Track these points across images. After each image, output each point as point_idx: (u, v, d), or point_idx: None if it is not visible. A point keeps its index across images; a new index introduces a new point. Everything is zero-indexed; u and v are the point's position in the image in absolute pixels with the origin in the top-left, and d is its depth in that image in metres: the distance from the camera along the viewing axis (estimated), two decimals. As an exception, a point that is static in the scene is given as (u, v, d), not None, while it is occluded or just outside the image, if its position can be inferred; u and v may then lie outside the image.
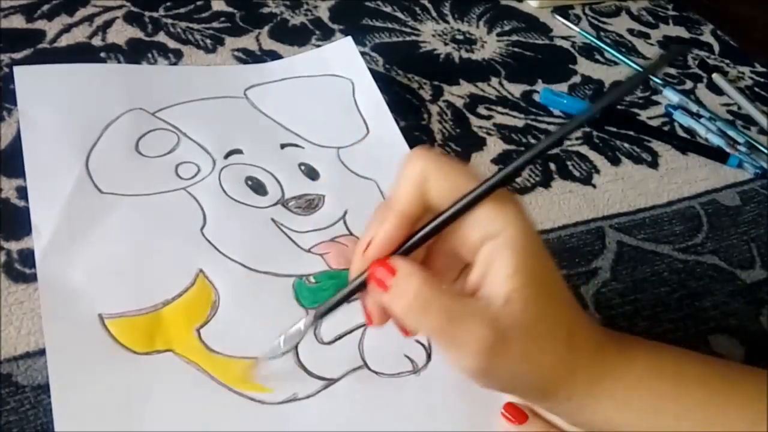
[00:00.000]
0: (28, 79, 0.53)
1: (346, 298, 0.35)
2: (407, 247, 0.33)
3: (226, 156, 0.51)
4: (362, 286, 0.34)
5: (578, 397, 0.33)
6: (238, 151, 0.51)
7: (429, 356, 0.43)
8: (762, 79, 0.75)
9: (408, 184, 0.32)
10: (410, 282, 0.31)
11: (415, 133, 0.58)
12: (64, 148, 0.48)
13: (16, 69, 0.53)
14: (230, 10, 0.67)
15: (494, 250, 0.31)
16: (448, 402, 0.41)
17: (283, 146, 0.53)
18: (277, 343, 0.38)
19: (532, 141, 0.60)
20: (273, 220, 0.48)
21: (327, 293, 0.44)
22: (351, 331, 0.43)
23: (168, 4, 0.65)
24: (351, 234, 0.48)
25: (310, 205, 0.49)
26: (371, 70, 0.61)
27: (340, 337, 0.42)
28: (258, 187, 0.49)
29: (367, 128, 0.56)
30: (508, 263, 0.31)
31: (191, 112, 0.54)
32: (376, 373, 0.41)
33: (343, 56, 0.62)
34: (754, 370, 0.38)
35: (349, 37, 0.63)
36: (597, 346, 0.34)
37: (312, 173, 0.51)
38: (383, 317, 0.34)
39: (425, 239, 0.32)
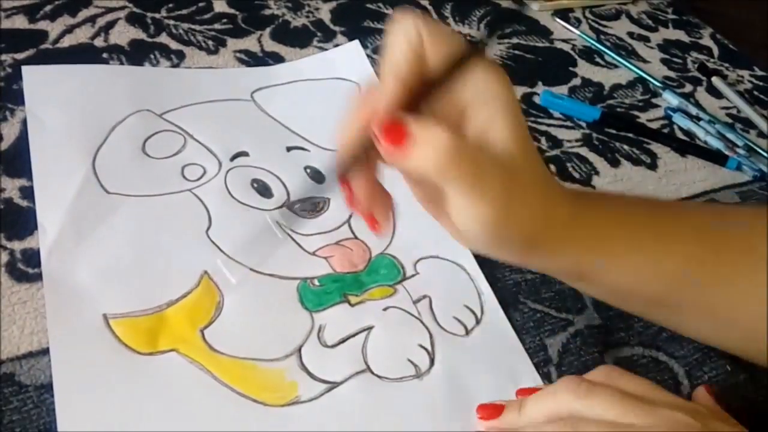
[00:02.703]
0: (36, 79, 0.53)
1: (341, 172, 0.35)
2: (411, 105, 0.32)
3: (232, 158, 0.51)
4: (358, 160, 0.34)
5: (553, 245, 0.37)
6: (244, 154, 0.52)
7: (432, 361, 0.43)
8: (761, 83, 0.76)
9: (406, 48, 0.32)
10: (438, 132, 0.32)
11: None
12: (71, 148, 0.48)
13: (25, 69, 0.53)
14: (232, 11, 0.67)
15: (491, 110, 0.33)
16: (451, 407, 0.41)
17: (289, 149, 0.53)
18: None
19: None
20: (278, 222, 0.48)
21: (331, 296, 0.44)
22: (354, 335, 0.43)
23: (170, 5, 0.65)
24: (356, 237, 0.48)
25: (315, 208, 0.49)
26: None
27: (343, 341, 0.43)
28: (264, 190, 0.49)
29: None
30: (506, 121, 0.33)
31: (198, 114, 0.54)
32: (379, 377, 0.41)
33: (350, 60, 0.62)
34: (691, 206, 0.47)
35: (357, 41, 0.63)
36: (567, 202, 0.37)
37: (318, 176, 0.52)
38: (370, 200, 0.36)
39: (425, 97, 0.33)
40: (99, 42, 0.59)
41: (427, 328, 0.44)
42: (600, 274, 0.40)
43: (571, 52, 0.74)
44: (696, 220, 0.42)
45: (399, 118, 0.32)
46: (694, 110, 0.68)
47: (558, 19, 0.77)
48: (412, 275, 0.47)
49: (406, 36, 0.32)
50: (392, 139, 0.32)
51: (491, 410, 0.40)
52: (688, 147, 0.64)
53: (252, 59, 0.62)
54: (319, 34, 0.66)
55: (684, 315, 0.41)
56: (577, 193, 0.40)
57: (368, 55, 0.63)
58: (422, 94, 0.33)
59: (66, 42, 0.58)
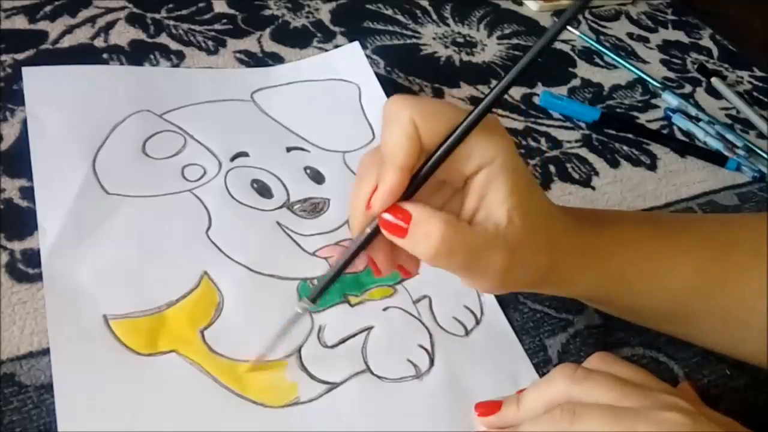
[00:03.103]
0: (36, 79, 0.53)
1: (354, 257, 0.36)
2: (411, 192, 0.34)
3: (233, 159, 0.51)
4: (369, 241, 0.35)
5: (562, 277, 0.39)
6: (245, 154, 0.52)
7: (432, 361, 0.43)
8: (761, 84, 0.76)
9: (400, 136, 0.33)
10: (432, 225, 0.33)
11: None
12: (71, 148, 0.48)
13: (25, 70, 0.53)
14: (232, 12, 0.67)
15: (489, 175, 0.34)
16: (451, 407, 0.41)
17: (289, 150, 0.53)
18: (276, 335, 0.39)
19: (532, 143, 0.61)
20: (278, 223, 0.48)
21: (331, 297, 0.44)
22: (354, 335, 0.43)
23: (170, 5, 0.65)
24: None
25: (315, 208, 0.49)
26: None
27: (343, 341, 0.43)
28: (263, 190, 0.49)
29: (373, 133, 0.56)
30: (504, 186, 0.34)
31: (198, 115, 0.54)
32: (379, 377, 0.41)
33: (350, 61, 0.62)
34: (695, 219, 0.48)
35: (356, 42, 0.63)
36: (571, 234, 0.38)
37: (317, 177, 0.52)
38: (391, 265, 0.37)
39: (425, 180, 0.34)
40: (99, 42, 0.59)
41: (427, 329, 0.44)
42: (612, 298, 0.41)
43: (571, 53, 0.74)
44: (700, 231, 0.43)
45: (397, 209, 0.34)
46: (693, 111, 0.68)
47: (557, 20, 0.77)
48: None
49: (399, 124, 0.33)
50: (392, 230, 0.34)
51: (489, 407, 0.40)
52: (687, 148, 0.64)
53: (252, 60, 0.62)
54: (318, 34, 0.67)
55: (698, 325, 0.42)
56: (582, 217, 0.40)
57: (368, 56, 0.63)
58: (430, 172, 0.34)
59: (66, 42, 0.58)
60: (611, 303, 0.43)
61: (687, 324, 0.42)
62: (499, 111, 0.63)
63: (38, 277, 0.41)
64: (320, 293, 0.38)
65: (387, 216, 0.34)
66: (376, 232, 0.35)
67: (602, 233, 0.40)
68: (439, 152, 0.33)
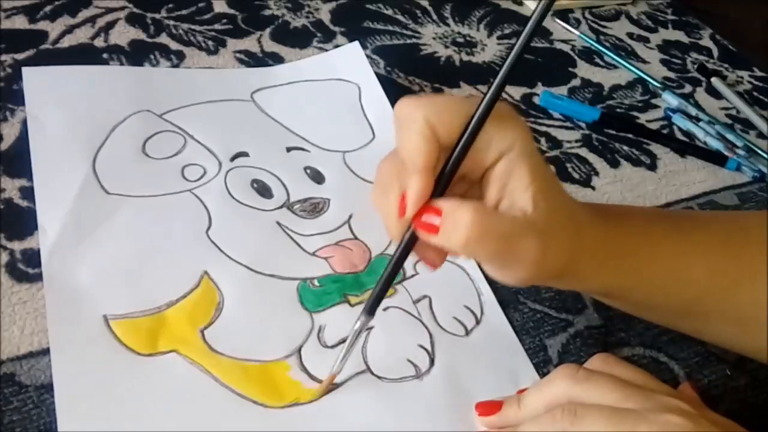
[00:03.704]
0: (36, 80, 0.53)
1: (401, 263, 0.36)
2: (439, 192, 0.34)
3: (233, 158, 0.51)
4: (410, 246, 0.35)
5: (581, 271, 0.38)
6: (245, 154, 0.52)
7: (432, 361, 0.43)
8: (761, 84, 0.76)
9: (419, 140, 0.33)
10: (462, 214, 0.33)
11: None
12: (71, 148, 0.49)
13: (25, 70, 0.53)
14: (232, 12, 0.67)
15: (509, 163, 0.34)
16: (451, 407, 0.41)
17: (289, 149, 0.53)
18: (338, 356, 0.39)
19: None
20: (278, 223, 0.48)
21: (331, 297, 0.44)
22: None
23: (170, 5, 0.65)
24: (356, 238, 0.48)
25: (315, 208, 0.49)
26: (372, 73, 0.61)
27: (343, 341, 0.42)
28: (264, 190, 0.50)
29: (373, 133, 0.56)
30: (526, 172, 0.34)
31: (198, 115, 0.54)
32: (379, 377, 0.41)
33: (350, 61, 0.62)
34: (706, 216, 0.50)
35: (356, 42, 0.63)
36: (591, 227, 0.38)
37: (318, 177, 0.52)
38: (442, 256, 0.37)
39: (451, 177, 0.34)
40: (99, 42, 0.59)
41: (427, 329, 0.44)
42: (627, 293, 0.41)
43: (571, 53, 0.74)
44: (713, 229, 0.43)
45: (428, 208, 0.34)
46: (693, 111, 0.68)
47: (557, 20, 0.77)
48: (412, 275, 0.47)
49: (414, 127, 0.33)
50: (426, 229, 0.34)
51: (490, 407, 0.40)
52: (687, 148, 0.64)
53: (252, 60, 0.62)
54: (319, 34, 0.67)
55: (711, 323, 0.42)
56: (601, 212, 0.40)
57: (368, 56, 0.63)
58: (456, 167, 0.34)
59: (66, 42, 0.58)
60: (625, 298, 0.42)
61: (700, 321, 0.42)
62: (499, 111, 0.63)
63: (38, 277, 0.41)
64: (374, 304, 0.38)
65: (421, 219, 0.34)
66: (414, 236, 0.35)
67: (620, 226, 0.40)
68: (460, 145, 0.33)
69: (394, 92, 0.61)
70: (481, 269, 0.48)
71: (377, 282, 0.37)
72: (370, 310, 0.38)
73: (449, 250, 0.35)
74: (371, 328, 0.43)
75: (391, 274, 0.37)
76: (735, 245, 0.41)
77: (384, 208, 0.36)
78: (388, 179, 0.35)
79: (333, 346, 0.42)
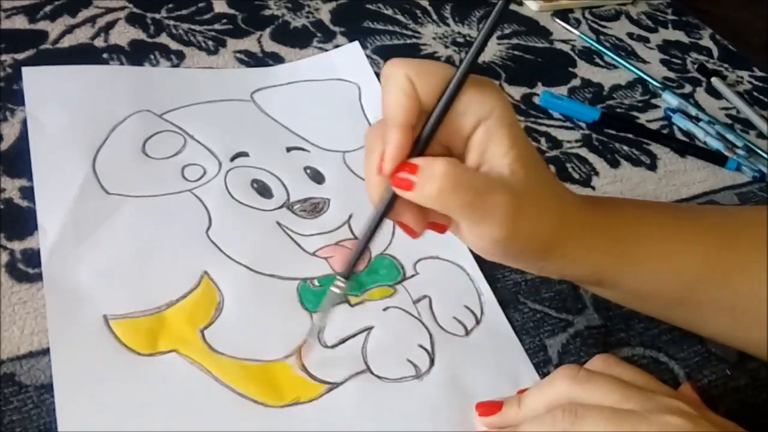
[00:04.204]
0: (36, 79, 0.53)
1: (379, 223, 0.36)
2: (417, 152, 0.34)
3: (233, 158, 0.51)
4: (389, 207, 0.36)
5: (569, 251, 0.38)
6: (244, 154, 0.52)
7: (432, 361, 0.43)
8: (761, 84, 0.76)
9: (399, 95, 0.34)
10: (435, 168, 0.34)
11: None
12: (71, 148, 0.48)
13: (25, 70, 0.53)
14: (232, 12, 0.67)
15: (489, 130, 0.34)
16: (451, 407, 0.41)
17: (289, 149, 0.53)
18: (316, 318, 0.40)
19: (532, 143, 0.61)
20: (278, 223, 0.48)
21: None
22: (354, 335, 0.43)
23: (170, 5, 0.65)
24: (356, 238, 0.48)
25: (315, 208, 0.49)
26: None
27: (343, 341, 0.43)
28: (263, 190, 0.50)
29: (373, 133, 0.56)
30: (505, 138, 0.34)
31: (198, 115, 0.54)
32: (379, 377, 0.41)
33: (350, 61, 0.62)
34: (701, 208, 0.49)
35: (356, 42, 0.63)
36: (578, 208, 0.39)
37: (318, 177, 0.52)
38: (422, 222, 0.37)
39: (429, 138, 0.34)
40: (99, 42, 0.59)
41: (427, 329, 0.44)
42: (619, 279, 0.40)
43: (571, 53, 0.74)
44: (710, 219, 0.43)
45: (405, 165, 0.34)
46: (693, 111, 0.68)
47: (557, 20, 0.77)
48: (412, 275, 0.47)
49: (396, 84, 0.34)
50: (400, 184, 0.34)
51: (490, 407, 0.40)
52: (687, 148, 0.64)
53: (252, 60, 0.62)
54: (319, 34, 0.67)
55: (704, 313, 0.42)
56: (592, 199, 0.41)
57: (368, 56, 0.63)
58: (434, 128, 0.34)
59: (66, 42, 0.58)
60: (617, 286, 0.42)
61: (693, 311, 0.42)
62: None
63: (38, 277, 0.41)
64: (351, 268, 0.38)
65: (397, 175, 0.34)
66: (394, 195, 0.35)
67: (612, 212, 0.40)
68: (439, 106, 0.34)
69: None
70: (480, 265, 0.48)
71: (357, 243, 0.38)
72: (347, 275, 0.38)
73: (424, 204, 0.35)
74: (371, 328, 0.43)
75: (369, 234, 0.37)
76: (729, 234, 0.41)
77: (366, 169, 0.36)
78: (372, 142, 0.35)
79: (333, 346, 0.42)
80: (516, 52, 0.72)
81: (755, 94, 0.74)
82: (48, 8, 0.61)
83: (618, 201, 0.43)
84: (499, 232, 0.35)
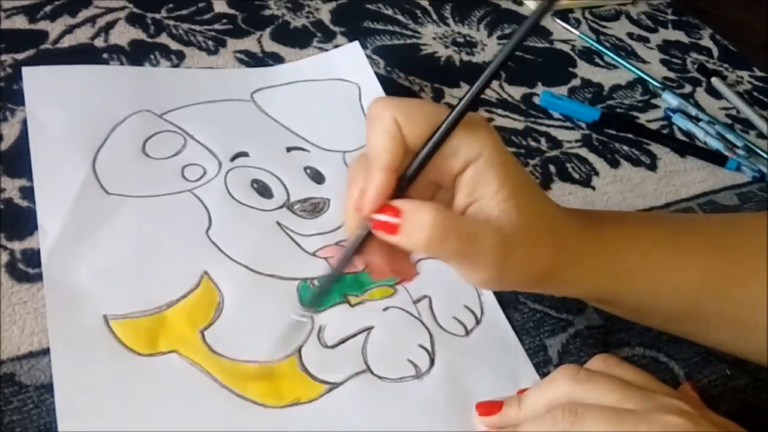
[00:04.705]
0: (36, 79, 0.53)
1: (347, 260, 0.36)
2: (399, 192, 0.34)
3: (233, 158, 0.51)
4: (362, 243, 0.35)
5: (568, 276, 0.38)
6: (245, 154, 0.52)
7: (432, 361, 0.43)
8: (761, 84, 0.76)
9: (384, 138, 0.33)
10: (423, 215, 0.33)
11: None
12: (71, 149, 0.48)
13: (25, 70, 0.53)
14: (232, 12, 0.67)
15: (478, 171, 0.34)
16: (451, 407, 0.41)
17: (289, 149, 0.53)
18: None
19: (532, 143, 0.61)
20: (278, 223, 0.48)
21: (331, 297, 0.44)
22: (354, 335, 0.43)
23: (170, 5, 0.65)
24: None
25: (315, 208, 0.49)
26: (372, 73, 0.61)
27: (343, 341, 0.43)
28: (264, 190, 0.50)
29: (373, 132, 0.56)
30: (494, 179, 0.34)
31: (198, 115, 0.54)
32: (379, 377, 0.41)
33: (350, 61, 0.62)
34: (698, 218, 0.49)
35: (356, 42, 0.63)
36: (576, 232, 0.38)
37: (318, 177, 0.52)
38: (387, 268, 0.37)
39: (413, 180, 0.34)
40: (99, 42, 0.59)
41: (427, 329, 0.44)
42: (619, 297, 0.41)
43: (571, 53, 0.74)
44: (705, 230, 0.43)
45: (387, 207, 0.34)
46: (693, 111, 0.68)
47: (557, 20, 0.77)
48: (412, 275, 0.47)
49: (382, 126, 0.34)
50: (384, 228, 0.34)
51: (490, 407, 0.40)
52: (687, 148, 0.64)
53: (252, 60, 0.62)
54: (319, 34, 0.67)
55: (707, 326, 0.42)
56: (590, 216, 0.40)
57: (368, 56, 0.63)
58: (417, 172, 0.34)
59: (66, 42, 0.58)
60: (618, 304, 0.42)
61: (697, 324, 0.42)
62: (499, 111, 0.63)
63: (38, 277, 0.41)
64: (318, 298, 0.39)
65: (377, 216, 0.34)
66: (368, 234, 0.35)
67: (607, 231, 0.40)
68: (424, 150, 0.34)
69: (394, 92, 0.61)
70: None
71: (325, 278, 0.38)
72: (312, 304, 0.39)
73: (409, 249, 0.35)
74: (371, 328, 0.43)
75: (338, 269, 0.37)
76: (728, 246, 0.41)
77: (345, 203, 0.36)
78: (355, 175, 0.35)
79: (333, 346, 0.42)
80: (516, 52, 0.71)
81: (755, 94, 0.74)
82: (48, 8, 0.61)
83: (617, 217, 0.43)
84: (488, 274, 0.35)
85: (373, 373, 0.41)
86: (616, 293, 0.40)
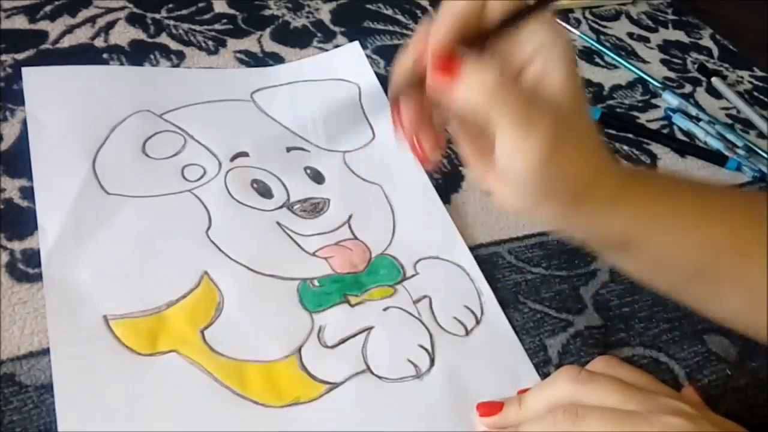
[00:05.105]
0: (36, 80, 0.53)
1: (394, 96, 0.35)
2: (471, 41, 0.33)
3: (233, 159, 0.51)
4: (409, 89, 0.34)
5: (601, 202, 0.36)
6: (244, 154, 0.52)
7: (432, 361, 0.43)
8: (761, 83, 0.76)
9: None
10: (488, 69, 0.32)
11: (417, 136, 0.58)
12: (71, 149, 0.48)
13: (25, 70, 0.53)
14: (232, 12, 0.67)
15: (550, 58, 0.33)
16: (451, 407, 0.41)
17: (289, 150, 0.53)
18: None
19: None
20: (278, 223, 0.48)
21: (331, 297, 0.44)
22: (354, 335, 0.43)
23: (170, 5, 0.65)
24: (355, 238, 0.48)
25: (315, 208, 0.49)
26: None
27: (343, 341, 0.43)
28: (264, 191, 0.49)
29: (373, 133, 0.56)
30: (563, 71, 0.33)
31: (198, 115, 0.54)
32: (379, 377, 0.41)
33: (350, 61, 0.62)
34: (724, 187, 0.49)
35: (356, 42, 0.63)
36: (614, 165, 0.36)
37: (318, 177, 0.52)
38: (417, 124, 0.36)
39: (486, 35, 0.33)
40: (99, 42, 0.59)
41: (427, 329, 0.44)
42: (644, 244, 0.39)
43: (571, 53, 0.74)
44: (736, 195, 0.42)
45: (452, 50, 0.32)
46: (693, 111, 0.68)
47: (558, 20, 0.77)
48: (412, 275, 0.47)
49: None
50: (443, 69, 0.32)
51: (490, 407, 0.40)
52: (687, 147, 0.64)
53: (252, 60, 0.62)
54: (319, 34, 0.67)
55: (721, 291, 0.41)
56: (622, 164, 0.40)
57: (368, 56, 0.63)
58: (481, 43, 0.33)
59: (66, 42, 0.58)
60: (641, 251, 0.40)
61: (710, 286, 0.41)
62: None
63: (38, 277, 0.41)
64: None
65: (441, 63, 0.32)
66: (422, 78, 0.34)
67: (642, 176, 0.39)
68: (507, 17, 0.33)
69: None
70: (480, 265, 0.48)
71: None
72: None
73: (464, 104, 0.33)
74: (371, 328, 0.43)
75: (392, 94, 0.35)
76: (755, 215, 0.40)
77: (403, 51, 0.35)
78: (418, 33, 0.34)
79: (333, 346, 0.42)
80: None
81: (755, 93, 0.74)
82: (48, 8, 0.61)
83: (647, 171, 0.43)
84: (539, 152, 0.32)
85: (373, 373, 0.41)
86: (643, 238, 0.39)
